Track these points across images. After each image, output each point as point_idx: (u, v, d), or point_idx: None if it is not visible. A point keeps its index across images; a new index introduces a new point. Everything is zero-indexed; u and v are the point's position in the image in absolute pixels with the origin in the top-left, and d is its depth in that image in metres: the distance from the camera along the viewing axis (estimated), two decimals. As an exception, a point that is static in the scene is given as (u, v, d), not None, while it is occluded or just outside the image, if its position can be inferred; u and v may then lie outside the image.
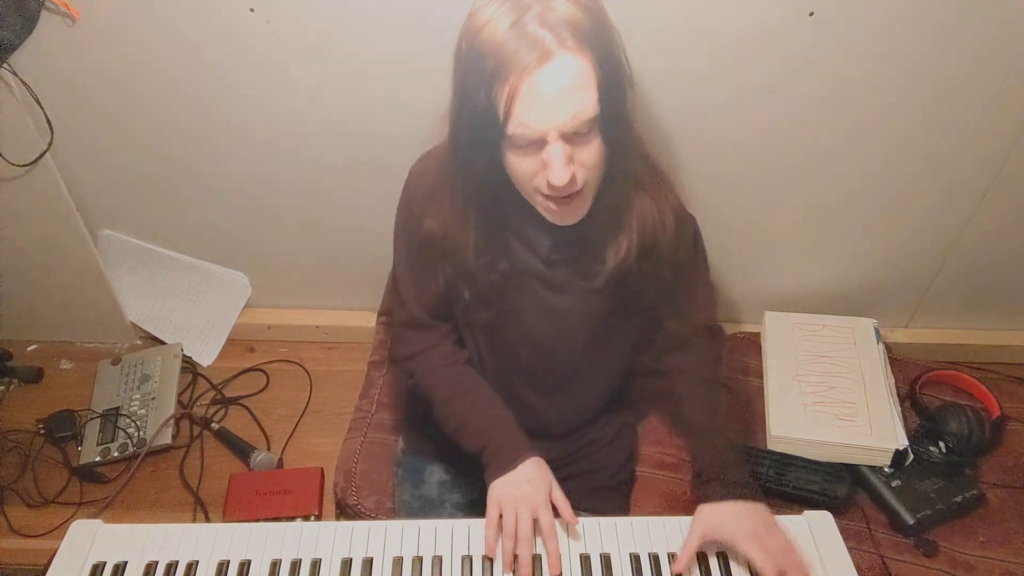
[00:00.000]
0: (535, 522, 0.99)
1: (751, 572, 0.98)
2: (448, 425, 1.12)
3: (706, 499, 1.03)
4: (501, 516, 0.99)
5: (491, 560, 0.98)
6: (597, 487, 1.25)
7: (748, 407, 1.46)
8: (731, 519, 1.00)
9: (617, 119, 0.88)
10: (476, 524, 1.02)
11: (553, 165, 0.84)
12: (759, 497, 1.03)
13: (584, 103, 0.83)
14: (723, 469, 1.05)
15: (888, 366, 1.48)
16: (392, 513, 1.28)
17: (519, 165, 0.89)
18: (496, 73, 0.81)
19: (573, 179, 0.86)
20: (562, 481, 1.05)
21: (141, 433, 1.59)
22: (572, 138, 0.85)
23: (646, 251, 1.03)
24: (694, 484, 1.08)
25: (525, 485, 1.01)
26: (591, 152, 0.87)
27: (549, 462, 1.07)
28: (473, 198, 0.98)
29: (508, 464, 1.03)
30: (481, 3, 0.84)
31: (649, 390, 1.29)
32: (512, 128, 0.83)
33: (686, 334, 1.19)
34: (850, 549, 1.01)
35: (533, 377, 1.17)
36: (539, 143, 0.85)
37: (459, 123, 0.92)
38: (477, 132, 0.87)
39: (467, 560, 0.98)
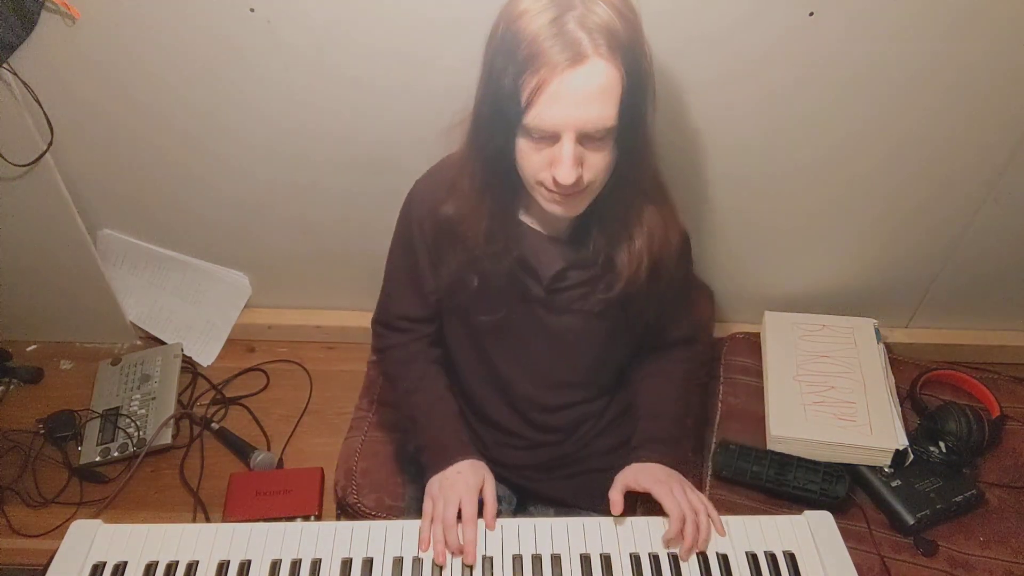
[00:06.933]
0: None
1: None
2: (402, 414, 1.17)
3: (635, 461, 1.10)
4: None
5: (491, 560, 0.98)
6: (591, 470, 1.23)
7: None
8: (649, 473, 1.07)
9: (634, 131, 0.89)
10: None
11: (563, 162, 0.86)
12: (683, 470, 1.11)
13: (605, 111, 0.84)
14: (658, 443, 1.11)
15: (888, 366, 1.48)
16: (392, 511, 1.28)
17: (529, 155, 0.90)
18: (527, 62, 0.82)
19: (579, 179, 0.88)
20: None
21: (141, 433, 1.59)
22: (585, 140, 0.87)
23: (654, 270, 1.05)
24: (629, 454, 1.12)
25: (454, 476, 1.06)
26: (601, 158, 0.89)
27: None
28: (490, 184, 0.99)
29: (443, 462, 1.08)
30: None
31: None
32: (530, 118, 0.85)
33: (667, 342, 1.23)
34: (850, 549, 1.02)
35: (525, 385, 1.18)
36: (553, 138, 0.86)
37: (482, 102, 0.93)
38: (497, 113, 0.89)
39: (467, 560, 0.99)
